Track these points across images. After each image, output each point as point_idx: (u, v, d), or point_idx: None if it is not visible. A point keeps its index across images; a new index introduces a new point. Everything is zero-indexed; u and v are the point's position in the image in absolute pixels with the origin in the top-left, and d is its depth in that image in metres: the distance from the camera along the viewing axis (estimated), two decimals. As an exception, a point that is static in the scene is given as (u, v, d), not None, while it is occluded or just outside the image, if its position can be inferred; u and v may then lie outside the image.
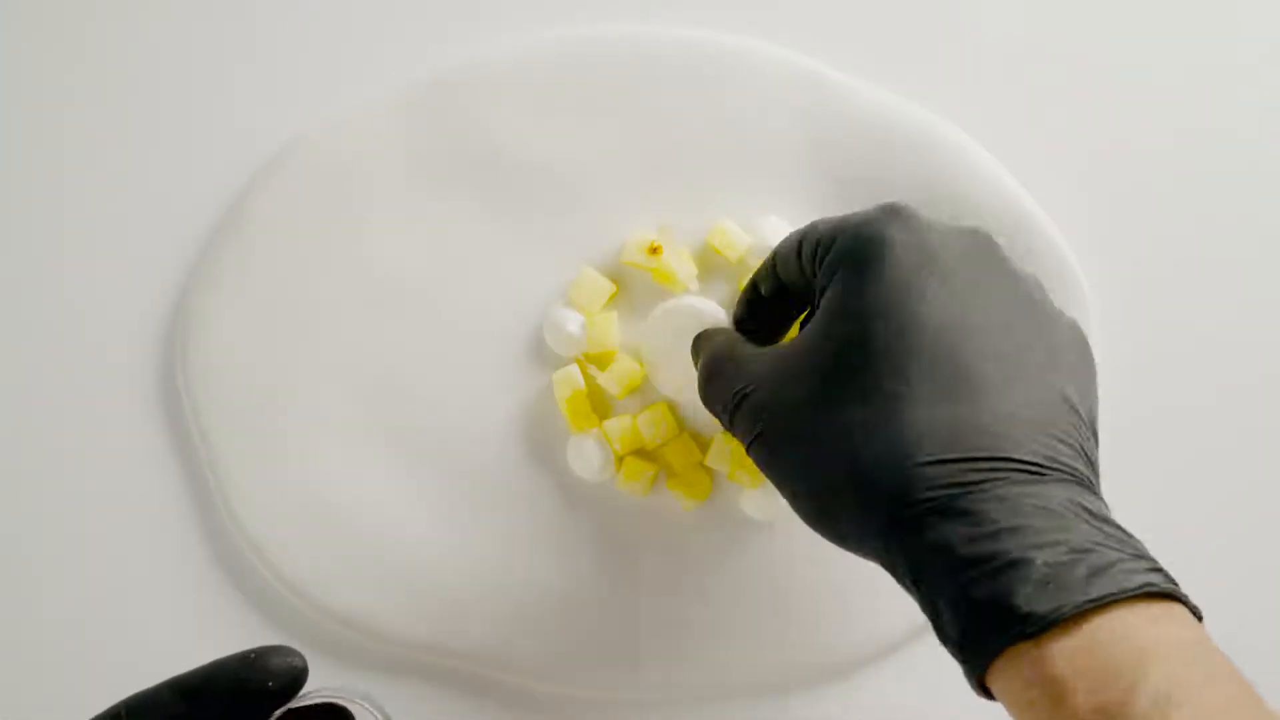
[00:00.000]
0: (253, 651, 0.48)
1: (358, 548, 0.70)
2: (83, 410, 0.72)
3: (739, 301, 0.64)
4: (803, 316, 0.63)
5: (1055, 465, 0.49)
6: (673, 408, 0.70)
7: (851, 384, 0.50)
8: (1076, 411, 0.51)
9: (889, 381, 0.49)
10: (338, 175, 0.71)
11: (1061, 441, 0.50)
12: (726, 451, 0.69)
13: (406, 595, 0.70)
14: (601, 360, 0.69)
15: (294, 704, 0.49)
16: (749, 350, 0.58)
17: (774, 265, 0.60)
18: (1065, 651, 0.44)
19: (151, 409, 0.72)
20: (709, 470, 0.70)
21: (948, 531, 0.47)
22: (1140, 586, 0.46)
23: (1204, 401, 0.72)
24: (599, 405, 0.70)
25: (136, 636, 0.71)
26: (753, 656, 0.70)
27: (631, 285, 0.71)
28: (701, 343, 0.63)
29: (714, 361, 0.59)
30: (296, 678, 0.48)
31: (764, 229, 0.70)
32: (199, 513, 0.71)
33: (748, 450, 0.56)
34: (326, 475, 0.70)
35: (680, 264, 0.69)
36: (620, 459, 0.69)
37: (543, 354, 0.71)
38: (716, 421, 0.70)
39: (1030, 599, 0.45)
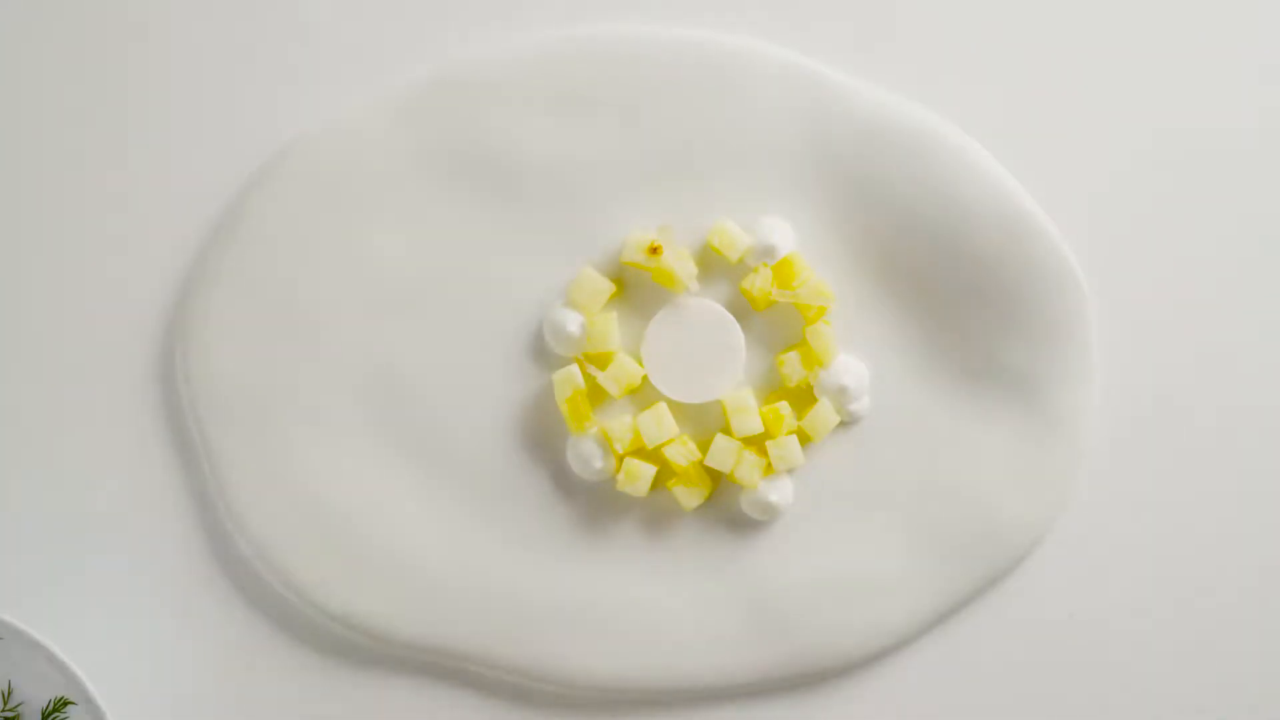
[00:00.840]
0: None
1: (358, 548, 0.70)
2: (83, 410, 0.71)
3: None
4: None
5: None
6: (673, 408, 0.70)
7: None
8: None
9: None
10: (338, 175, 0.71)
11: None
12: (727, 451, 0.69)
13: (406, 595, 0.70)
14: (601, 360, 0.69)
15: None
16: None
17: None
18: None
19: (151, 409, 0.72)
20: (709, 470, 0.70)
21: None
22: None
23: (1203, 401, 0.72)
24: (599, 405, 0.70)
25: (136, 637, 0.71)
26: (753, 656, 0.70)
27: (631, 285, 0.71)
28: None
29: None
30: None
31: (764, 229, 0.70)
32: (199, 513, 0.71)
33: None
34: (326, 475, 0.70)
35: (680, 264, 0.69)
36: (620, 459, 0.69)
37: (543, 354, 0.71)
38: (716, 421, 0.70)
39: None
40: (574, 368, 0.69)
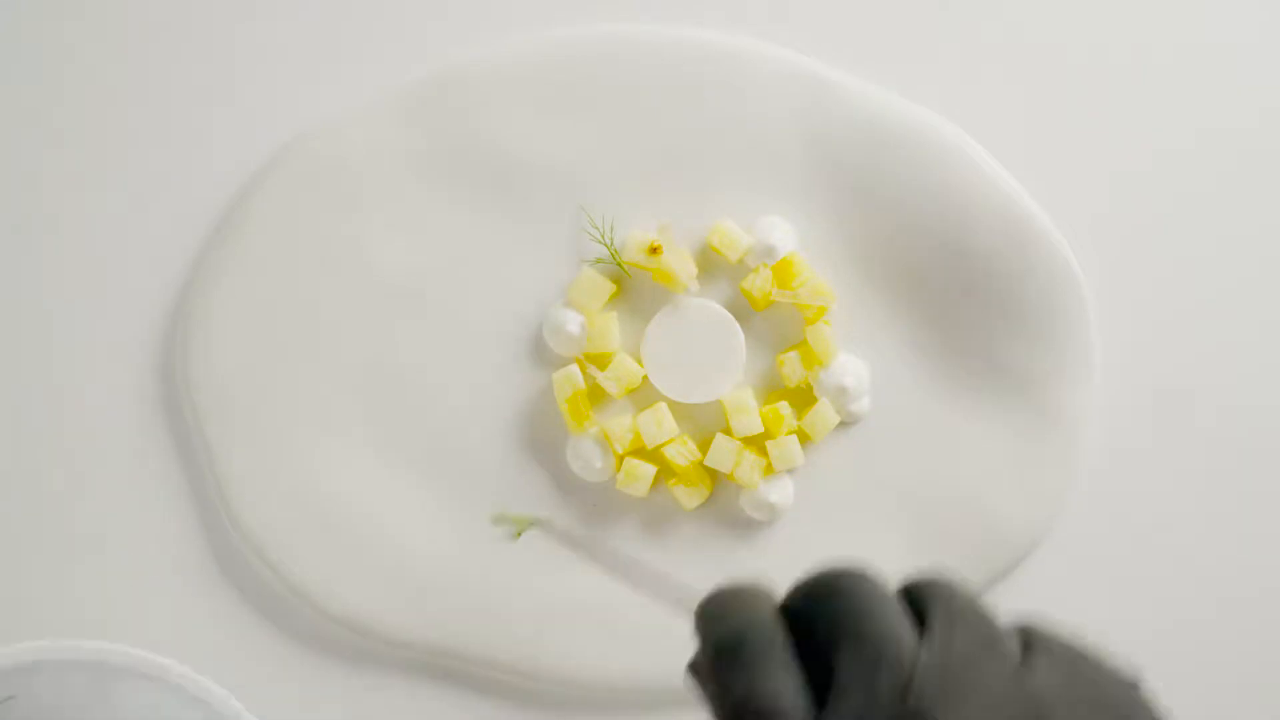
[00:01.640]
0: None
1: (358, 548, 0.70)
2: (83, 410, 0.71)
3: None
4: None
5: None
6: (673, 408, 0.70)
7: None
8: None
9: None
10: (338, 175, 0.71)
11: None
12: (727, 451, 0.69)
13: (406, 595, 0.70)
14: (601, 360, 0.69)
15: None
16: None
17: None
18: None
19: (151, 409, 0.72)
20: (709, 470, 0.70)
21: None
22: None
23: (1203, 401, 0.72)
24: (599, 405, 0.70)
25: (136, 637, 0.71)
26: (753, 656, 0.70)
27: (631, 285, 0.71)
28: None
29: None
30: None
31: (764, 229, 0.70)
32: (199, 513, 0.71)
33: None
34: (326, 475, 0.70)
35: (680, 264, 0.69)
36: (620, 459, 0.69)
37: (543, 354, 0.71)
38: (716, 421, 0.70)
39: None
40: (574, 368, 0.69)
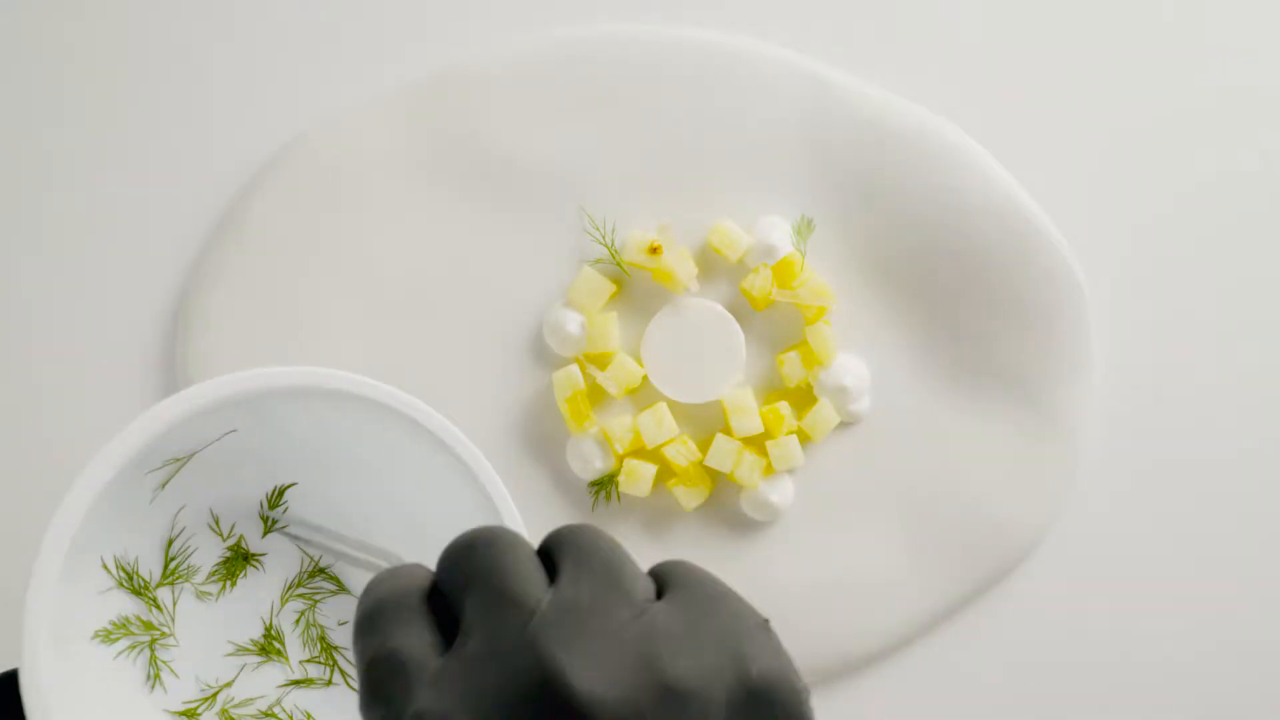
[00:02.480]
0: None
1: (358, 548, 0.70)
2: (83, 410, 0.71)
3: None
4: None
5: None
6: (673, 408, 0.70)
7: None
8: None
9: None
10: (338, 175, 0.71)
11: None
12: (727, 451, 0.69)
13: (406, 595, 0.70)
14: (601, 360, 0.69)
15: None
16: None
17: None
18: None
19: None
20: (709, 470, 0.70)
21: None
22: None
23: (1201, 401, 0.72)
24: (599, 405, 0.70)
25: (136, 636, 0.71)
26: (753, 656, 0.70)
27: (631, 285, 0.71)
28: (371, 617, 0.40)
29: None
30: None
31: (764, 229, 0.70)
32: (199, 513, 0.71)
33: None
34: (326, 475, 0.70)
35: (680, 264, 0.69)
36: (620, 459, 0.69)
37: (543, 354, 0.71)
38: (717, 421, 0.70)
39: None
40: (574, 368, 0.69)
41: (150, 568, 0.61)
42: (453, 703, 0.35)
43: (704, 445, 0.69)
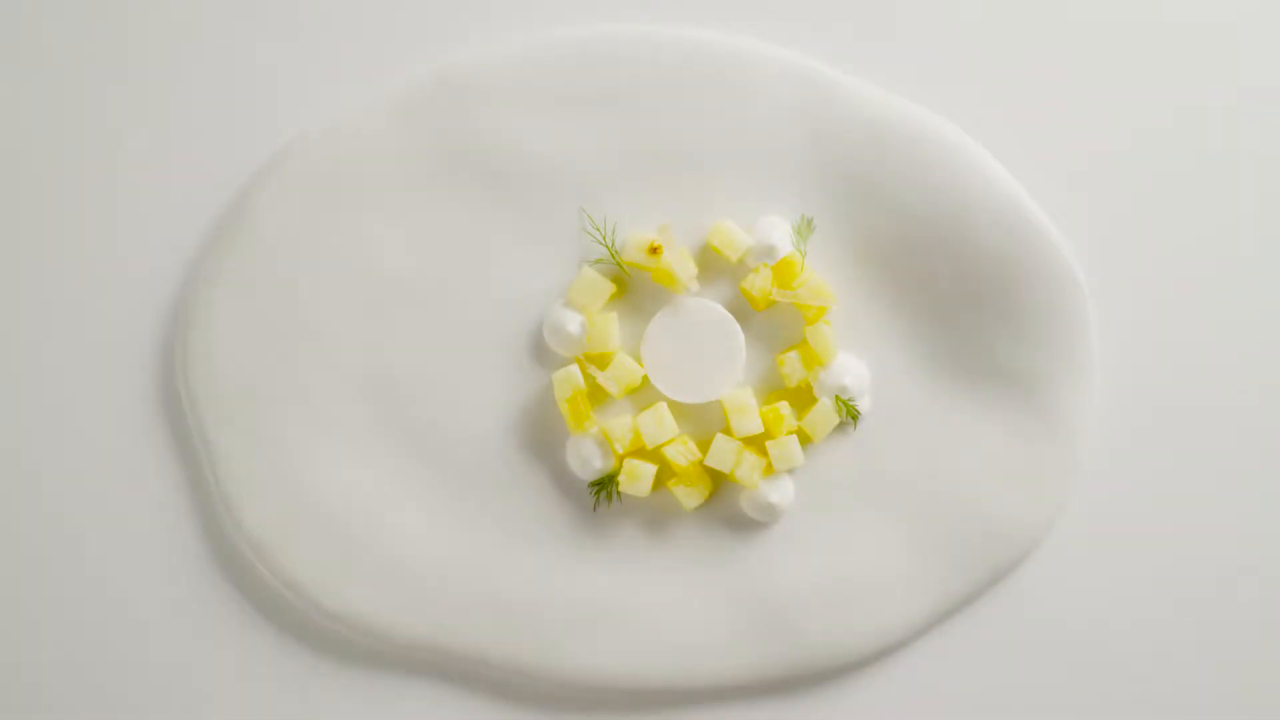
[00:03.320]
0: None
1: (358, 548, 0.70)
2: (83, 410, 0.72)
3: None
4: None
5: None
6: (673, 408, 0.70)
7: None
8: None
9: None
10: (338, 175, 0.71)
11: None
12: (727, 451, 0.69)
13: (406, 595, 0.70)
14: (601, 360, 0.69)
15: None
16: None
17: None
18: None
19: (151, 409, 0.72)
20: (709, 470, 0.70)
21: None
22: None
23: (1203, 401, 0.72)
24: (599, 405, 0.70)
25: (136, 636, 0.71)
26: (753, 656, 0.70)
27: (631, 285, 0.71)
28: None
29: None
30: None
31: (764, 229, 0.70)
32: (199, 513, 0.72)
33: None
34: (326, 475, 0.70)
35: (680, 264, 0.69)
36: (620, 459, 0.69)
37: (543, 354, 0.71)
38: (716, 421, 0.70)
39: None
40: (574, 368, 0.69)
41: None
42: None
43: (704, 445, 0.69)
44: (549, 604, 0.70)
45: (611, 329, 0.69)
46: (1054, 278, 0.70)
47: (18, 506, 0.71)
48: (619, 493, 0.70)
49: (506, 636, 0.70)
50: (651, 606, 0.70)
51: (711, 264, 0.71)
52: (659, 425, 0.69)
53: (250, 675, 0.71)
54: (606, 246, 0.70)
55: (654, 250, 0.69)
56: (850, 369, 0.70)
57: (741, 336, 0.69)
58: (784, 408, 0.69)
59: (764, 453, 0.69)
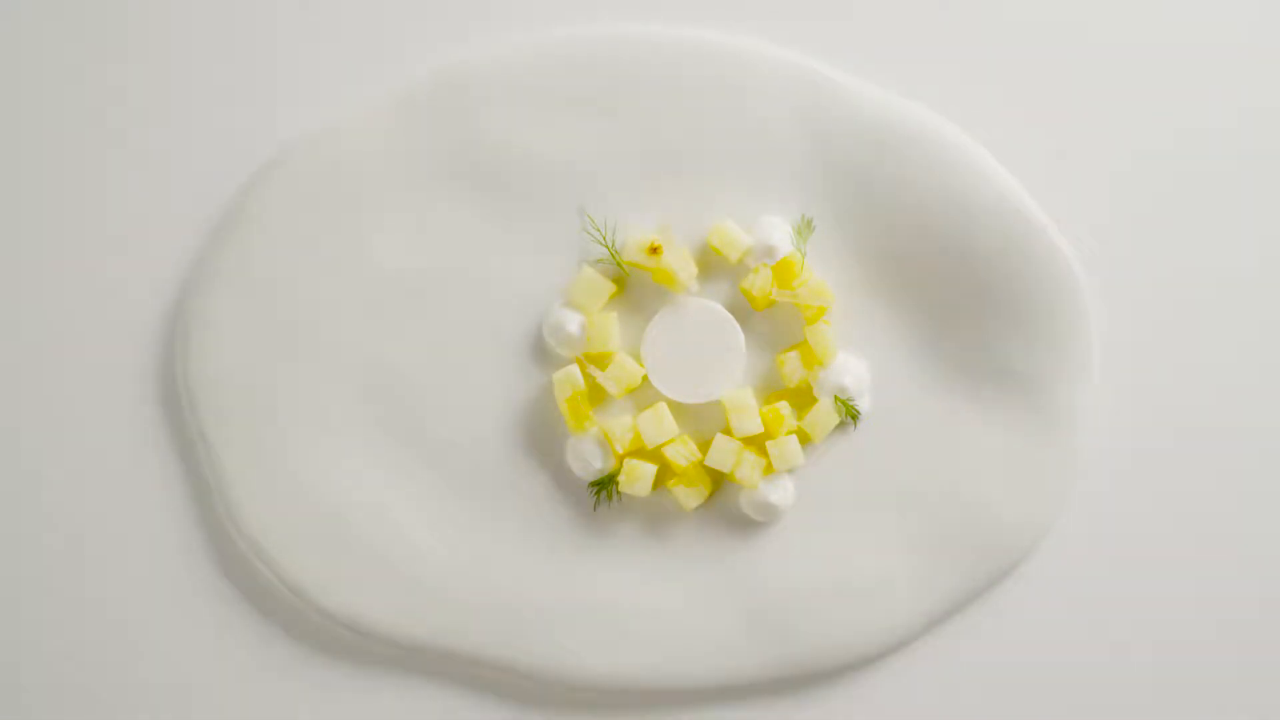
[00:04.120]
0: None
1: (357, 548, 0.70)
2: (83, 411, 0.72)
3: None
4: None
5: None
6: (673, 408, 0.70)
7: None
8: None
9: None
10: (338, 175, 0.71)
11: None
12: (727, 451, 0.69)
13: (406, 595, 0.70)
14: (601, 360, 0.69)
15: None
16: None
17: None
18: None
19: (151, 409, 0.72)
20: (709, 470, 0.70)
21: None
22: None
23: (1203, 403, 0.72)
24: (599, 405, 0.70)
25: (136, 636, 0.71)
26: (753, 656, 0.70)
27: (631, 285, 0.71)
28: None
29: None
30: None
31: (764, 229, 0.70)
32: (199, 513, 0.72)
33: None
34: (326, 475, 0.70)
35: (680, 264, 0.69)
36: (620, 459, 0.69)
37: (543, 354, 0.71)
38: (716, 421, 0.70)
39: None
40: (574, 368, 0.69)
41: None
42: None
43: (704, 445, 0.69)
44: (549, 604, 0.70)
45: (611, 329, 0.69)
46: (1054, 278, 0.70)
47: (18, 507, 0.71)
48: (619, 493, 0.70)
49: (506, 636, 0.70)
50: (651, 606, 0.70)
51: (711, 264, 0.71)
52: (659, 425, 0.69)
53: (250, 675, 0.71)
54: (606, 246, 0.70)
55: (654, 250, 0.69)
56: (850, 369, 0.70)
57: (741, 336, 0.69)
58: (784, 408, 0.69)
59: (764, 453, 0.69)
